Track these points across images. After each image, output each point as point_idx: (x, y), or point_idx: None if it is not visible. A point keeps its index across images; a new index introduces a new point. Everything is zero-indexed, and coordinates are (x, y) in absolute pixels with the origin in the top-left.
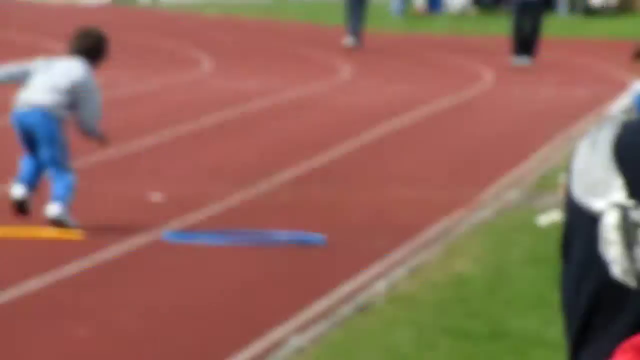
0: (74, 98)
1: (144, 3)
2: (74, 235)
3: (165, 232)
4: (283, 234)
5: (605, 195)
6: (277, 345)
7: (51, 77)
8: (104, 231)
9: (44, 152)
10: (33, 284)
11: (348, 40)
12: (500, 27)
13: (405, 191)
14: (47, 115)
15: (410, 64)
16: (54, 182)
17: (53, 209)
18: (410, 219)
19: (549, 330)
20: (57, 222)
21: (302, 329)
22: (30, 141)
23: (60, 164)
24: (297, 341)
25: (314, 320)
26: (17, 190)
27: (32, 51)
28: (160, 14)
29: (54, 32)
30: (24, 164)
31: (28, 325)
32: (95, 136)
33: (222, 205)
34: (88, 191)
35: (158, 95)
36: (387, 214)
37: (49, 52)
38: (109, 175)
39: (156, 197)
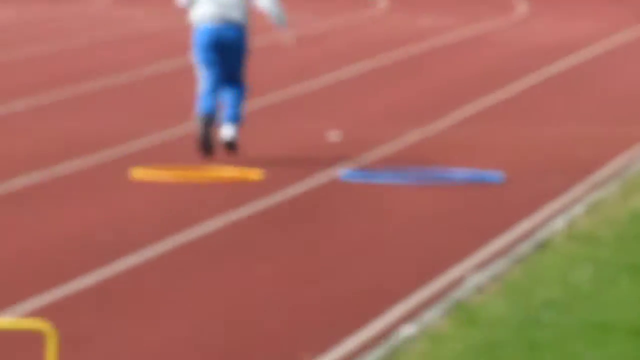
0: (248, 6)
1: None
2: (255, 175)
3: (343, 172)
4: (460, 172)
5: None
6: (455, 283)
7: None
8: (283, 170)
9: (233, 66)
10: (214, 223)
11: None
12: None
13: (583, 128)
14: (242, 29)
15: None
16: (228, 99)
17: (228, 132)
18: (587, 156)
19: None
20: (231, 145)
21: (480, 266)
22: (216, 56)
23: (241, 77)
24: (475, 279)
25: (492, 258)
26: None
27: None
28: None
29: None
30: (207, 98)
31: (210, 262)
32: (286, 27)
33: (399, 144)
34: (269, 128)
35: (338, 33)
36: (565, 151)
37: None
38: (289, 113)
39: (334, 136)
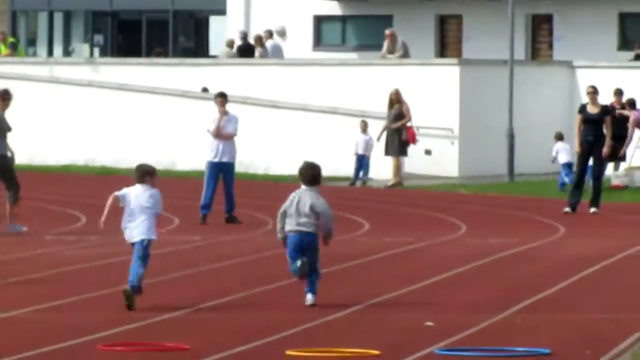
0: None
1: None
2: (374, 352)
3: (437, 349)
4: (522, 348)
5: None
6: None
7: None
8: (391, 349)
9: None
10: None
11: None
12: None
13: (610, 315)
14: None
15: None
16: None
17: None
18: (615, 336)
19: None
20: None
21: None
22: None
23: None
24: None
25: None
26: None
27: None
28: None
29: None
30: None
31: None
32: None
33: (479, 328)
34: (377, 321)
35: (425, 250)
36: (596, 333)
37: None
38: (392, 309)
39: (429, 324)
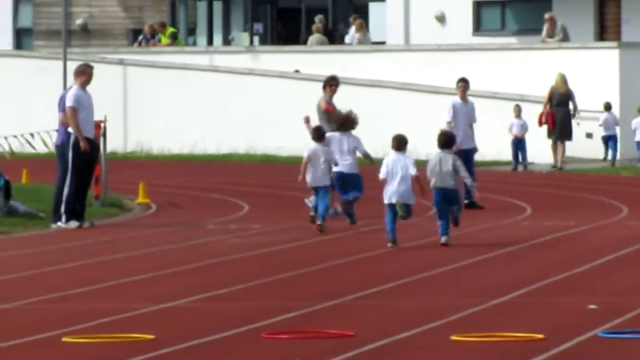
0: None
1: None
2: (539, 335)
3: (600, 331)
4: None
5: None
6: None
7: None
8: (555, 332)
9: None
10: None
11: None
12: None
13: None
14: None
15: None
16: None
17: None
18: None
19: None
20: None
21: None
22: None
23: None
24: None
25: None
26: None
27: None
28: None
29: None
30: None
31: None
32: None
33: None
34: (543, 304)
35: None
36: None
37: None
38: (559, 292)
39: (592, 307)
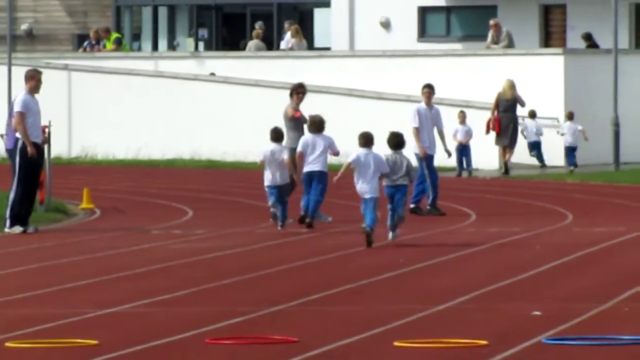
0: None
1: None
2: (482, 341)
3: (544, 338)
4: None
5: None
6: None
7: None
8: (499, 339)
9: None
10: None
11: None
12: None
13: None
14: None
15: None
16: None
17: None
18: None
19: None
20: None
21: None
22: None
23: None
24: None
25: None
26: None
27: None
28: None
29: None
30: None
31: None
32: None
33: (584, 317)
34: (484, 310)
35: (532, 240)
36: None
37: None
38: (500, 298)
39: (536, 313)
